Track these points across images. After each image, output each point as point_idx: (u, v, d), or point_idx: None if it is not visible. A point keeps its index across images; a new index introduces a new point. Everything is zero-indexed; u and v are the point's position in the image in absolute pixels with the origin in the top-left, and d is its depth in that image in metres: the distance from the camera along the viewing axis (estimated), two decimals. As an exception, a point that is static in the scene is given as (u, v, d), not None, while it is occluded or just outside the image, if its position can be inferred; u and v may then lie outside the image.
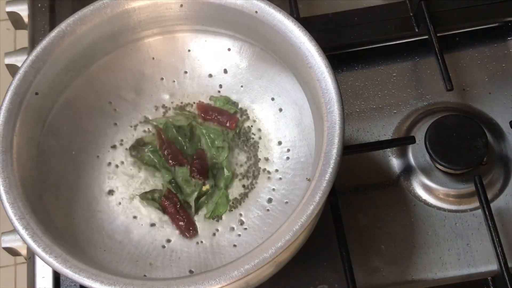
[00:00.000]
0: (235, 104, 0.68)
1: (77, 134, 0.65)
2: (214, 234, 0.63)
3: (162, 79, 0.69)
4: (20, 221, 0.55)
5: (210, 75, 0.69)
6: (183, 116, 0.67)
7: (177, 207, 0.64)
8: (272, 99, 0.67)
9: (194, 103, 0.68)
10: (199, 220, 0.64)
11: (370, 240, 0.69)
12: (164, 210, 0.64)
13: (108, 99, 0.67)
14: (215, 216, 0.64)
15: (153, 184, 0.66)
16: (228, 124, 0.67)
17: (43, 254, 0.54)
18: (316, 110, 0.59)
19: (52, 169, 0.62)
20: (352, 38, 0.76)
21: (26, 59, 0.60)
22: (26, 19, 0.81)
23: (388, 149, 0.73)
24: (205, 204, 0.65)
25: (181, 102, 0.68)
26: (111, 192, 0.65)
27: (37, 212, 0.56)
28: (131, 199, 0.65)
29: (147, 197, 0.65)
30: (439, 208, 0.70)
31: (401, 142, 0.72)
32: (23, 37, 0.81)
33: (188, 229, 0.63)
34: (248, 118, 0.68)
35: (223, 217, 0.64)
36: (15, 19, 0.82)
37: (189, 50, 0.69)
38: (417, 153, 0.72)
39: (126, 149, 0.67)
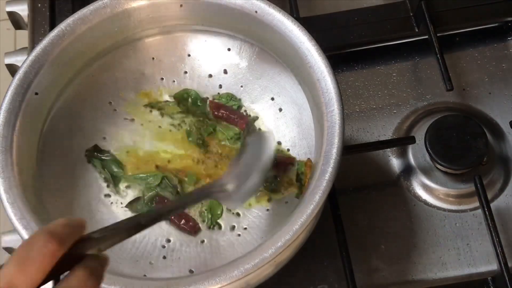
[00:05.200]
0: (238, 100, 0.68)
1: (77, 134, 0.65)
2: (214, 234, 0.63)
3: (162, 79, 0.69)
4: (20, 221, 0.55)
5: (210, 75, 0.69)
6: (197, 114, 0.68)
7: None
8: (272, 99, 0.67)
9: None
10: (199, 221, 0.64)
11: (370, 240, 0.69)
12: None
13: (108, 99, 0.67)
14: (216, 223, 0.64)
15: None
16: (238, 124, 0.67)
17: (43, 254, 0.54)
18: (316, 110, 0.59)
19: (52, 169, 0.62)
20: (352, 38, 0.76)
21: (26, 59, 0.60)
22: (26, 19, 0.81)
23: (388, 149, 0.73)
24: (203, 215, 0.64)
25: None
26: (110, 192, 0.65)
27: (37, 212, 0.56)
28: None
29: (134, 206, 0.64)
30: (439, 208, 0.70)
31: (401, 142, 0.72)
32: (23, 37, 0.81)
33: (191, 227, 0.63)
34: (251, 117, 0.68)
35: (223, 217, 0.64)
36: (15, 19, 0.82)
37: (189, 50, 0.69)
38: (417, 153, 0.72)
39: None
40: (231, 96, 0.68)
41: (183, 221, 0.63)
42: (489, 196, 0.69)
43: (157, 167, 0.65)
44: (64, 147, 0.64)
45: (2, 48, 0.97)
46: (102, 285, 0.52)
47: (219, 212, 0.64)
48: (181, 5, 0.64)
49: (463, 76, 0.76)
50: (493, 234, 0.66)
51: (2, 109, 0.59)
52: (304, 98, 0.63)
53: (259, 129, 0.67)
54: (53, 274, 0.42)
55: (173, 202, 0.63)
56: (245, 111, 0.68)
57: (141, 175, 0.65)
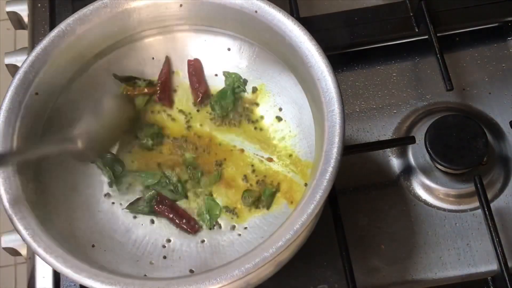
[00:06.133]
0: (244, 81, 0.68)
1: (77, 134, 0.65)
2: (214, 234, 0.63)
3: (162, 79, 0.69)
4: (20, 222, 0.55)
5: (210, 75, 0.69)
6: None
7: (172, 208, 0.64)
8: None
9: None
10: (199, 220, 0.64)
11: (370, 240, 0.69)
12: (160, 215, 0.64)
13: (108, 99, 0.67)
14: (216, 223, 0.64)
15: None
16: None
17: (43, 254, 0.54)
18: (316, 109, 0.59)
19: (52, 169, 0.62)
20: (352, 38, 0.76)
21: (26, 59, 0.60)
22: (26, 19, 0.81)
23: (388, 149, 0.73)
24: (202, 216, 0.65)
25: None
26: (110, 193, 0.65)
27: (37, 212, 0.56)
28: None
29: (135, 207, 0.64)
30: (439, 208, 0.70)
31: (401, 142, 0.72)
32: (23, 37, 0.81)
33: (191, 227, 0.63)
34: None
35: (223, 217, 0.64)
36: (15, 19, 0.82)
37: (189, 50, 0.69)
38: (417, 153, 0.72)
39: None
40: (238, 78, 0.67)
41: (183, 221, 0.63)
42: (489, 196, 0.69)
43: (159, 164, 0.65)
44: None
45: (2, 48, 0.97)
46: (103, 285, 0.52)
47: (217, 213, 0.64)
48: (181, 5, 0.64)
49: (463, 76, 0.76)
50: (493, 234, 0.66)
51: (2, 109, 0.59)
52: (304, 98, 0.63)
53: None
54: None
55: (21, 147, 0.59)
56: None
57: (140, 172, 0.65)
